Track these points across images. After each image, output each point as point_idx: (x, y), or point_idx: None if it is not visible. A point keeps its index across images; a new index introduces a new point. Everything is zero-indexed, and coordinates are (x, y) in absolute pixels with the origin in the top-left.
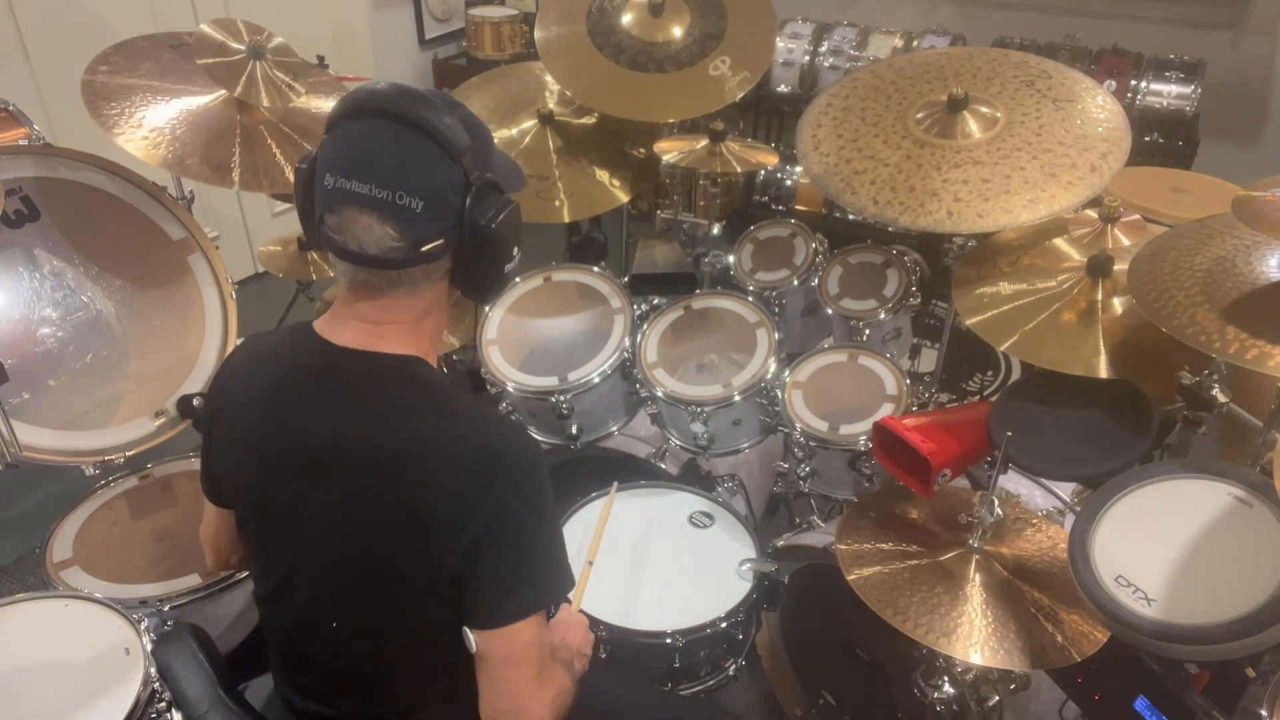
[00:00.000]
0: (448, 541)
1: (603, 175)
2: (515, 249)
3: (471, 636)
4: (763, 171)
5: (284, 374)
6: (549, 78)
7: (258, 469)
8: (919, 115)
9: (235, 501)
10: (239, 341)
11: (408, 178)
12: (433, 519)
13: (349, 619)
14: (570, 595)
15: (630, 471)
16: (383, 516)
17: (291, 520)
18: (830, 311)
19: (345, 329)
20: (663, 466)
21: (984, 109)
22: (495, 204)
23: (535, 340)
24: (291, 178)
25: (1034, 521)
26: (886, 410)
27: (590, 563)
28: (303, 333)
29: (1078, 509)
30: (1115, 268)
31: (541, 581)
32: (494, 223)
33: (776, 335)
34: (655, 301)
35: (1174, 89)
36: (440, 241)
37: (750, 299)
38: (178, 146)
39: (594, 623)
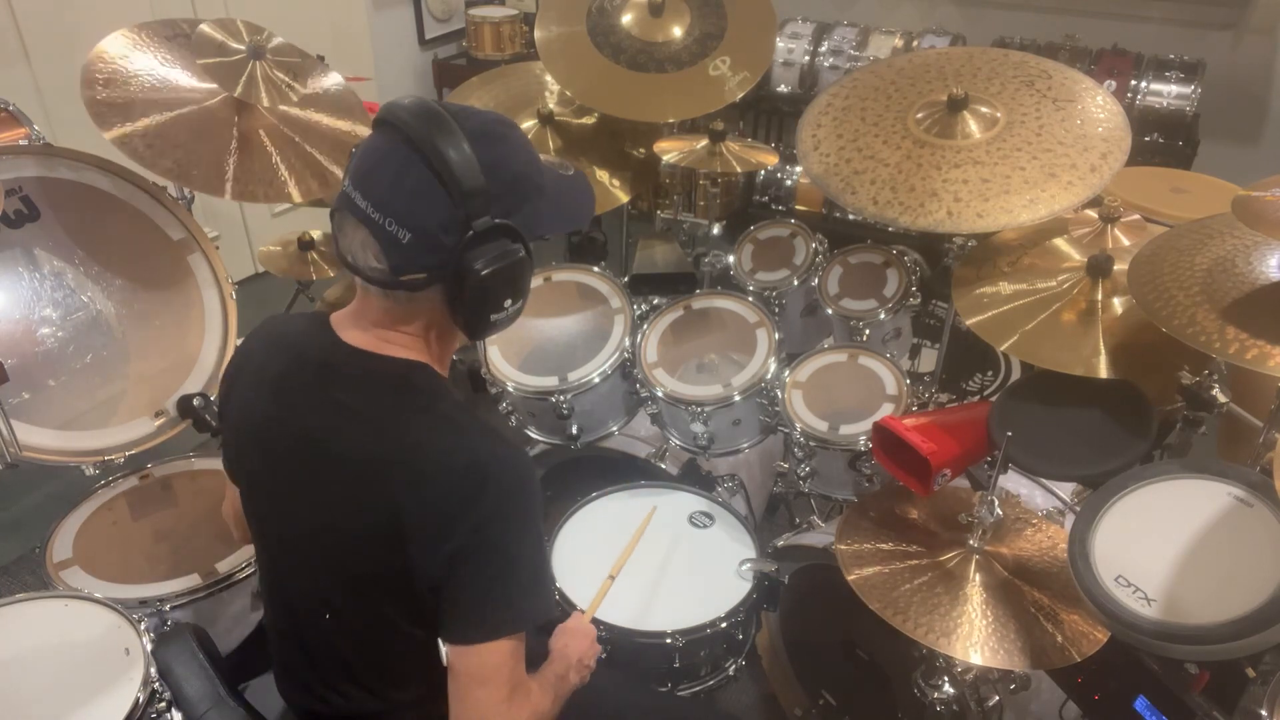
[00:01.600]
0: (428, 552)
1: (603, 175)
2: (508, 301)
3: (443, 648)
4: (763, 171)
5: (293, 365)
6: (549, 78)
7: (261, 458)
8: (919, 115)
9: (241, 486)
10: (258, 324)
11: (401, 207)
12: (415, 528)
13: (339, 614)
14: (583, 605)
15: (630, 471)
16: (368, 519)
17: (288, 511)
18: (830, 311)
19: (355, 328)
20: (663, 466)
21: (984, 109)
22: (493, 253)
23: (535, 340)
24: (292, 189)
25: (1034, 521)
26: (886, 410)
27: (612, 577)
28: (318, 325)
29: (1078, 509)
30: (1115, 268)
31: (517, 605)
32: (485, 270)
33: (776, 335)
34: (655, 301)
35: (1174, 89)
36: (423, 275)
37: (750, 299)
38: (181, 155)
39: (594, 623)
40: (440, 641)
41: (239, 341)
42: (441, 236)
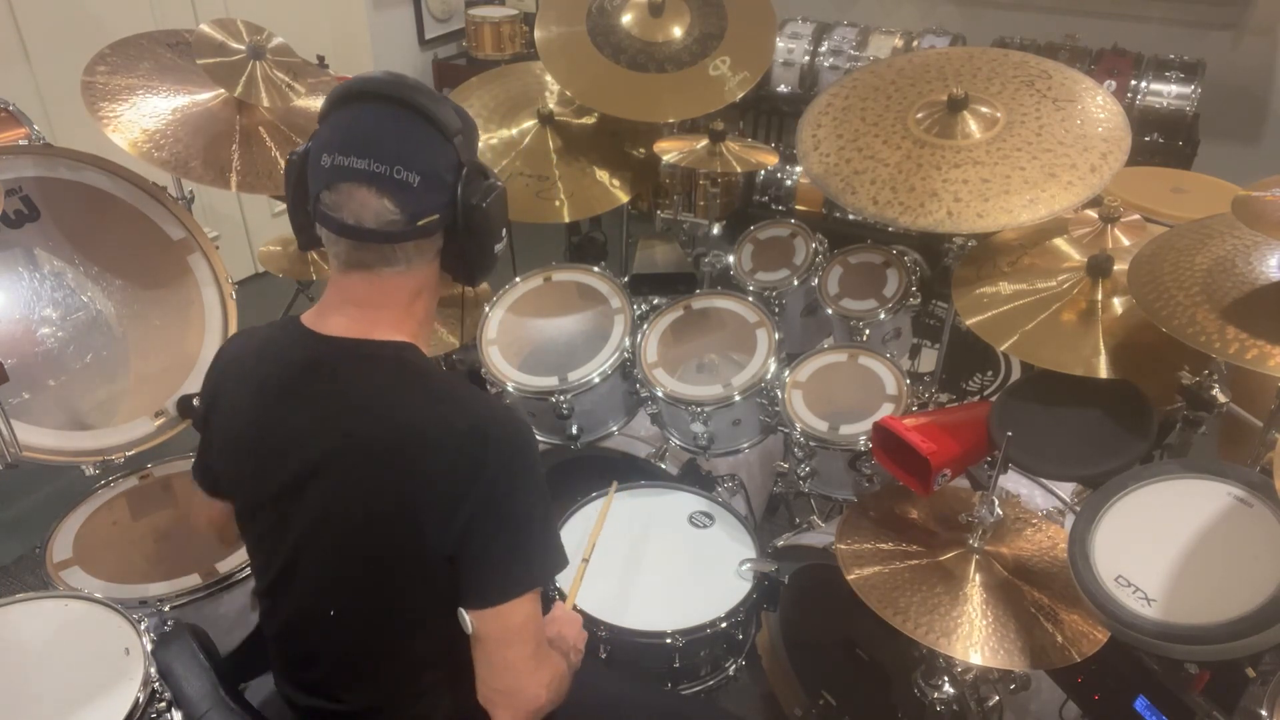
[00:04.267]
0: (442, 523)
1: (603, 175)
2: (503, 230)
3: (467, 617)
4: (763, 171)
5: (274, 370)
6: (549, 78)
7: (254, 466)
8: (919, 115)
9: (235, 496)
10: (223, 344)
11: (406, 154)
12: (426, 502)
13: (348, 607)
14: (565, 593)
15: (630, 471)
16: (378, 503)
17: (290, 513)
18: (830, 311)
19: (334, 318)
20: (663, 466)
21: (984, 109)
22: (485, 185)
23: (535, 340)
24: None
25: (1034, 521)
26: (886, 410)
27: (586, 560)
28: (290, 326)
29: (1078, 509)
30: (1115, 268)
31: (534, 559)
32: (485, 202)
33: (776, 335)
34: (655, 301)
35: (1174, 89)
36: (435, 217)
37: (750, 299)
38: (180, 149)
39: (594, 623)
40: (461, 612)
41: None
42: (445, 174)
